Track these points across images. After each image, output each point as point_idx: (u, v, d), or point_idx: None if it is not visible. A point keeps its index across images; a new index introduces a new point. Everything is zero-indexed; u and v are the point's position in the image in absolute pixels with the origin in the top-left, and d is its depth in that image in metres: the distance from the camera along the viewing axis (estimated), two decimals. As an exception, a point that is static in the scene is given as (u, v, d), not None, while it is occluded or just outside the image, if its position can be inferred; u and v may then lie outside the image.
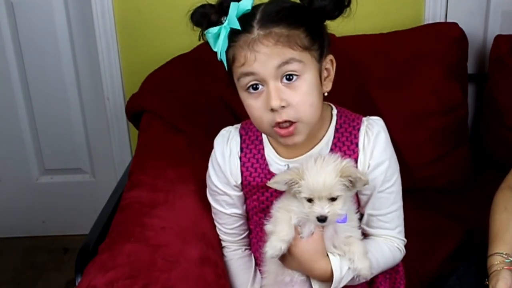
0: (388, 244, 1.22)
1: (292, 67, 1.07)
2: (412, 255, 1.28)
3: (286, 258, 1.14)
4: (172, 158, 1.50)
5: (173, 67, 1.83)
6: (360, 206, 1.22)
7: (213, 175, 1.26)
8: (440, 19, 2.02)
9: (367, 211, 1.21)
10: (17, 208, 2.51)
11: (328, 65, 1.15)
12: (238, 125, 1.28)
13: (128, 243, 1.19)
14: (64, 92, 2.34)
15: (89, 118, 2.39)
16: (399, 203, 1.23)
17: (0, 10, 2.23)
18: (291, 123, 1.10)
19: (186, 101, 1.70)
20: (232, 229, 1.30)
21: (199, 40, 1.15)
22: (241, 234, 1.31)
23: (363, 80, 1.83)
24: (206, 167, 1.35)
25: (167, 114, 1.65)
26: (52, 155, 2.46)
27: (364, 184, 1.10)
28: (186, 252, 1.21)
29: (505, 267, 1.21)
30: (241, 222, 1.30)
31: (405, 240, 1.25)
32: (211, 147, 1.27)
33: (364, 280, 1.18)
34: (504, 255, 1.23)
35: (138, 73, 1.91)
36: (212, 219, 1.32)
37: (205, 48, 1.88)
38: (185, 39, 1.96)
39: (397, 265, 1.28)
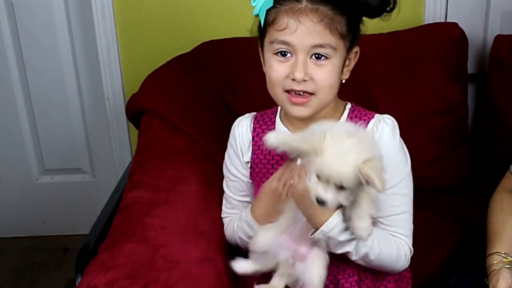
0: (395, 239, 1.18)
1: (325, 50, 1.12)
2: (412, 255, 1.28)
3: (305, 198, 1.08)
4: (173, 158, 1.50)
5: (173, 67, 1.83)
6: None
7: (227, 160, 1.30)
8: (440, 19, 2.01)
9: None
10: (17, 208, 2.50)
11: (352, 55, 1.19)
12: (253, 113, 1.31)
13: (128, 243, 1.19)
14: (64, 92, 2.34)
15: (89, 118, 2.39)
16: (405, 208, 1.18)
17: (0, 10, 2.22)
18: (308, 94, 1.13)
19: (186, 101, 1.70)
20: None
21: None
22: None
23: (363, 80, 1.83)
24: (206, 167, 1.35)
25: (167, 114, 1.65)
26: (52, 155, 2.45)
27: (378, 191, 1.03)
28: (187, 252, 1.21)
29: (504, 266, 1.21)
30: None
31: (412, 249, 1.21)
32: (211, 147, 1.27)
33: (360, 257, 1.12)
34: (502, 255, 1.23)
35: (138, 73, 1.91)
36: (212, 219, 1.32)
37: (205, 48, 1.91)
38: (185, 39, 2.00)
39: (405, 270, 1.25)
